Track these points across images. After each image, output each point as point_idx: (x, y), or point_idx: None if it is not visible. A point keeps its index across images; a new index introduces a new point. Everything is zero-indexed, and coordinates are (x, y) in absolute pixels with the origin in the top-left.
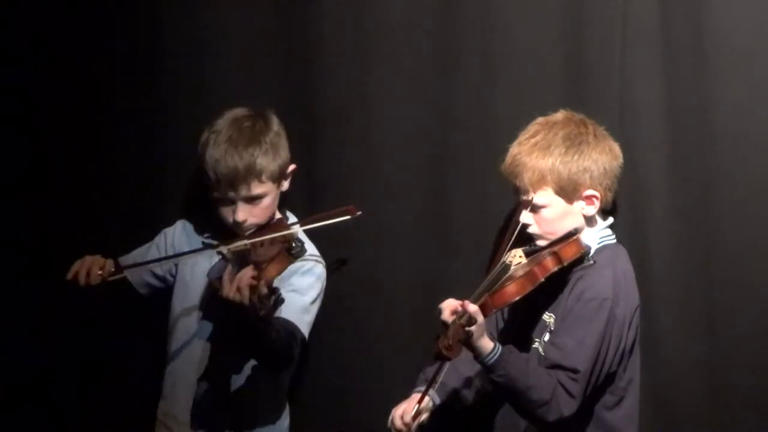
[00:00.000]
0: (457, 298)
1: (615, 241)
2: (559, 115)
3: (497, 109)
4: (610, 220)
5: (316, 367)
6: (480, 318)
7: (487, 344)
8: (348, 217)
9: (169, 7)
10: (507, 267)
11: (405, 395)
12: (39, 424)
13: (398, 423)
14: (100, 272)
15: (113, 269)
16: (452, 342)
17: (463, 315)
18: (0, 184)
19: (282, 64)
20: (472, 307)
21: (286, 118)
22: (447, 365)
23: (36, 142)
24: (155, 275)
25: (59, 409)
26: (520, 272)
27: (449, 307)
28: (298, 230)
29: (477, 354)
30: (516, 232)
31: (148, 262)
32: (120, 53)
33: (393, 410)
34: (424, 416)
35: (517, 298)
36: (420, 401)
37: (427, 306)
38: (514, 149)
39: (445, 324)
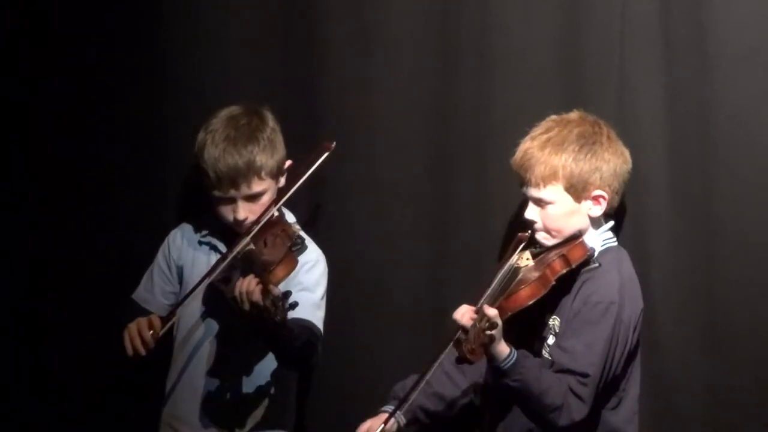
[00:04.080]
0: (458, 297)
1: (616, 243)
2: (574, 115)
3: (497, 109)
4: (611, 223)
5: (319, 367)
6: (499, 321)
7: (503, 349)
8: (327, 153)
9: (170, 7)
10: (517, 270)
11: None
12: (40, 424)
13: None
14: (151, 332)
15: (160, 323)
16: (475, 346)
17: (482, 318)
18: None
19: (283, 65)
20: (492, 311)
21: (287, 118)
22: (420, 387)
23: (34, 142)
24: (171, 292)
25: (61, 411)
26: (532, 275)
27: (467, 311)
28: (282, 200)
29: (493, 358)
30: (523, 245)
31: (184, 299)
32: (120, 53)
33: (359, 427)
34: None
35: (530, 302)
36: (386, 422)
37: (428, 307)
38: (527, 143)
39: (464, 329)
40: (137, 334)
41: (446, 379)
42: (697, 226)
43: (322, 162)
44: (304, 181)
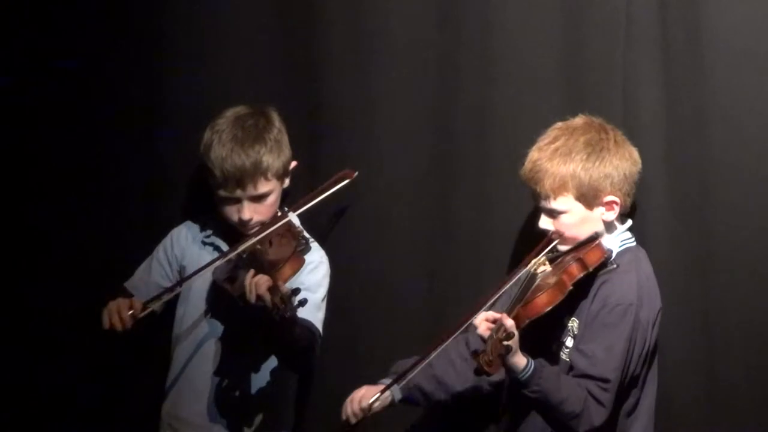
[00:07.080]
0: (458, 298)
1: (635, 243)
2: (579, 120)
3: (499, 108)
4: (629, 222)
5: (318, 367)
6: (515, 332)
7: (521, 360)
8: (347, 181)
9: (171, 7)
10: (534, 276)
11: None
12: (40, 424)
13: (355, 406)
14: (131, 312)
15: (141, 307)
16: (492, 357)
17: (499, 329)
18: (0, 185)
19: (284, 64)
20: (509, 321)
21: (289, 117)
22: (420, 366)
23: (37, 142)
24: (168, 289)
25: (62, 410)
26: (549, 281)
27: (485, 320)
28: (298, 212)
29: (511, 370)
30: (548, 249)
31: (170, 289)
32: (121, 52)
33: (354, 392)
34: (377, 405)
35: (548, 309)
36: (382, 392)
37: (428, 307)
38: (534, 155)
39: (482, 339)
40: (116, 311)
41: (449, 366)
42: (696, 224)
43: (340, 188)
44: (318, 203)
